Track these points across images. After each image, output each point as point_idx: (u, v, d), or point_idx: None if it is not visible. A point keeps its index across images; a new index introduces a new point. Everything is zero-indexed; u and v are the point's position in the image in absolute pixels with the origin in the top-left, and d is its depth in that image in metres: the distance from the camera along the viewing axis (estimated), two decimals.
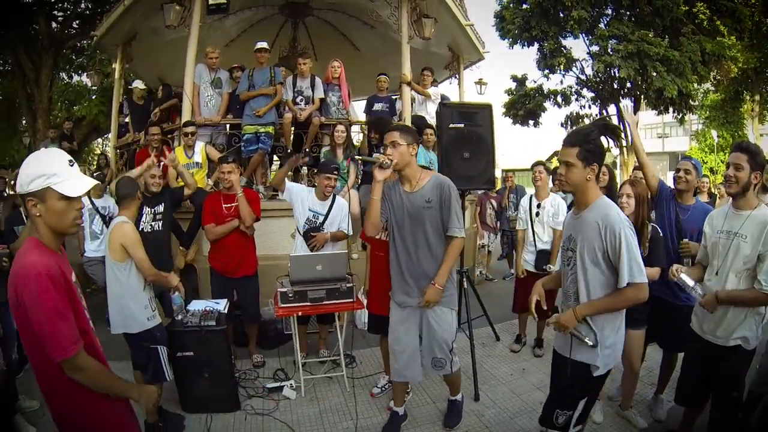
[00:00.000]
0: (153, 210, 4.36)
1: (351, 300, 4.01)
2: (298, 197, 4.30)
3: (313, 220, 4.30)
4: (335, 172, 4.33)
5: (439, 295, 3.09)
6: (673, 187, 3.59)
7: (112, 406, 1.84)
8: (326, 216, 4.30)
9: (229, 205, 4.42)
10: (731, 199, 2.74)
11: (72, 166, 1.72)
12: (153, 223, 4.35)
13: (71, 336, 1.63)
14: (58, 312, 1.61)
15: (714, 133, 26.24)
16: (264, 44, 6.29)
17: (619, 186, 3.48)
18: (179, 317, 3.68)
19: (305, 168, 6.79)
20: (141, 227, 4.17)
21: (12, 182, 5.88)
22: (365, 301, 4.14)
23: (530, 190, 5.20)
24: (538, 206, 4.79)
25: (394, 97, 7.17)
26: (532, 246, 4.79)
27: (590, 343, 2.27)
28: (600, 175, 2.40)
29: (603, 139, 2.35)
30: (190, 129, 5.57)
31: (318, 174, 4.36)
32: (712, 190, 9.75)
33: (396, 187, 3.15)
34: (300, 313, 4.02)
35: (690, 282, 2.69)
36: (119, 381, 1.83)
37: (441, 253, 3.11)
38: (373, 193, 3.03)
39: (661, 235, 3.26)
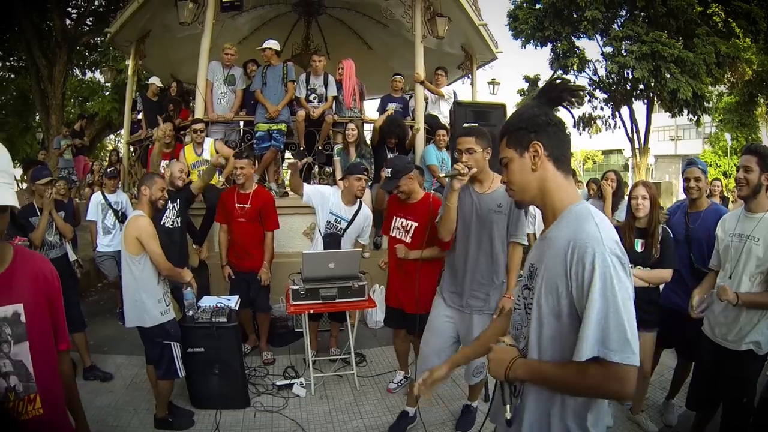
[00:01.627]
0: (172, 207, 4.31)
1: (363, 298, 4.01)
2: (317, 202, 4.25)
3: (335, 224, 4.24)
4: (365, 173, 4.28)
5: (511, 303, 3.13)
6: (684, 197, 3.51)
7: None
8: (350, 223, 4.26)
9: (241, 205, 4.42)
10: (744, 202, 2.72)
11: None
12: (174, 220, 4.35)
13: None
14: None
15: (728, 136, 25.92)
16: (269, 44, 6.16)
17: (630, 187, 3.41)
18: (190, 313, 3.69)
19: (317, 167, 6.79)
20: (162, 222, 4.17)
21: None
22: (385, 298, 4.10)
23: None
24: None
25: (407, 97, 7.14)
26: None
27: (507, 416, 1.46)
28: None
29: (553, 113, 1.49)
30: (198, 126, 5.57)
31: (347, 176, 4.25)
32: (725, 193, 9.66)
33: (466, 187, 3.06)
34: (312, 311, 4.01)
35: (703, 305, 2.83)
36: None
37: (500, 261, 3.04)
38: (449, 201, 2.94)
39: (671, 236, 3.21)
